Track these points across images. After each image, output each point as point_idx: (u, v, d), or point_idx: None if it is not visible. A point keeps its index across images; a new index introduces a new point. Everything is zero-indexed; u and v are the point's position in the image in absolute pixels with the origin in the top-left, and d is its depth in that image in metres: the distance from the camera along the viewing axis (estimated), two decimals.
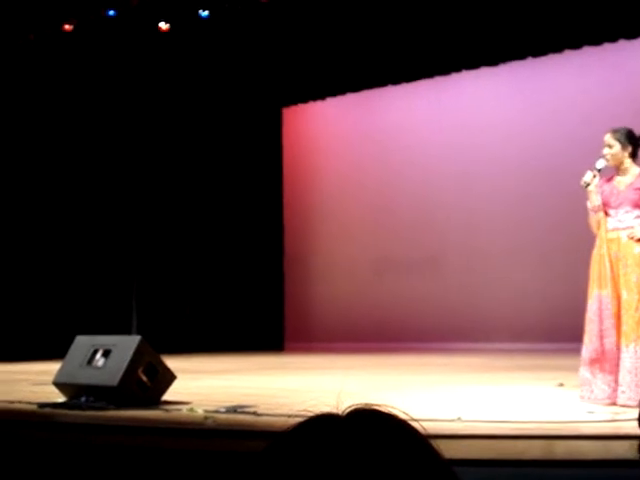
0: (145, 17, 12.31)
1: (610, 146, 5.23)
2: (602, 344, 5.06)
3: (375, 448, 0.78)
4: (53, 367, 6.33)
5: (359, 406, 0.84)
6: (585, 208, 5.41)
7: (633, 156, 5.26)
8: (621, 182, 5.25)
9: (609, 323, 5.06)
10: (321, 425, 0.82)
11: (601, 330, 5.08)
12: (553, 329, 11.76)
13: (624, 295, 5.05)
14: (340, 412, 0.84)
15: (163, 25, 12.49)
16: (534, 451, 3.71)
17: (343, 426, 0.81)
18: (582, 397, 5.13)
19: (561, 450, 3.70)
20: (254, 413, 4.78)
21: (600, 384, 5.05)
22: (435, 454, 0.82)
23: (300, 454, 0.79)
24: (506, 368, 8.82)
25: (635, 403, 4.57)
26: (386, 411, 0.84)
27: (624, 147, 5.20)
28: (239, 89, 14.21)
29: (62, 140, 12.97)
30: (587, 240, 5.43)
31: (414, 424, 0.84)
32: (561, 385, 6.16)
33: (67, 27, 12.17)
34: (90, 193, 13.23)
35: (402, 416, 0.85)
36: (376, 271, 14.26)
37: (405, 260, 13.50)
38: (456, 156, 13.64)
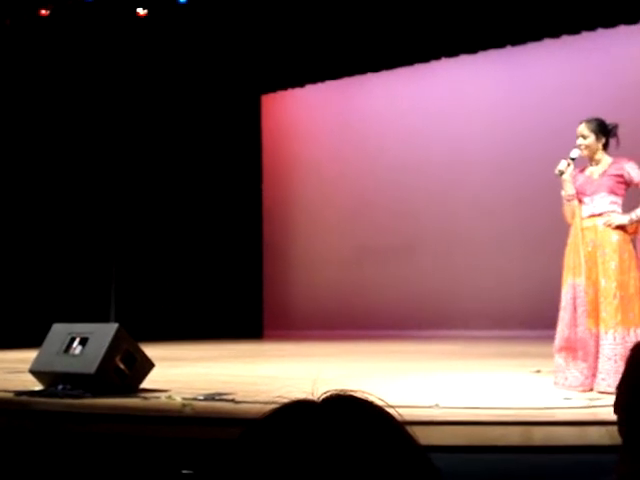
0: (123, 2, 12.21)
1: (584, 137, 5.27)
2: (575, 332, 5.10)
3: (350, 434, 0.77)
4: (29, 355, 6.29)
5: (334, 392, 0.84)
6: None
7: (605, 146, 5.31)
8: (594, 172, 5.30)
9: (582, 311, 5.09)
10: (296, 411, 0.81)
11: (574, 318, 5.12)
12: (532, 316, 11.82)
13: (602, 283, 5.08)
14: (315, 398, 0.83)
15: (141, 10, 12.40)
16: (512, 437, 3.73)
17: (318, 412, 0.80)
18: (556, 383, 5.18)
19: (538, 436, 3.73)
20: (232, 400, 4.77)
21: (574, 371, 5.09)
22: (411, 440, 0.81)
23: (275, 440, 0.78)
24: (484, 355, 8.86)
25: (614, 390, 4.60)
26: (361, 397, 0.83)
27: (598, 138, 5.25)
28: (217, 76, 14.14)
29: (38, 127, 12.84)
30: (566, 228, 5.46)
31: (389, 410, 0.84)
32: (538, 372, 6.19)
33: (43, 12, 12.04)
34: (67, 179, 13.12)
35: (377, 402, 0.84)
36: (355, 259, 14.27)
37: (384, 248, 13.53)
38: (436, 144, 13.66)
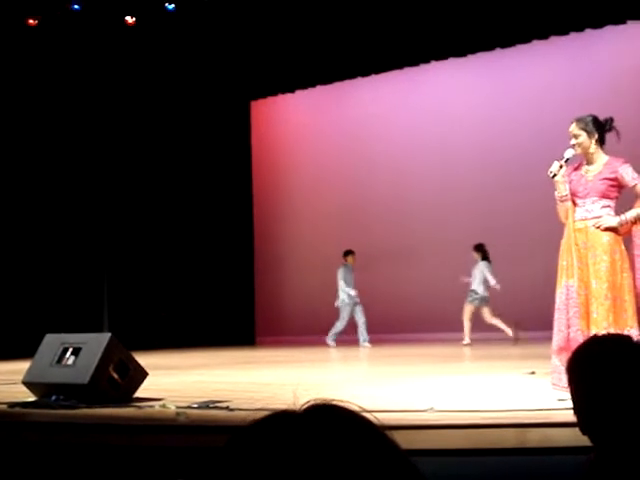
0: (111, 11, 12.19)
1: (576, 136, 5.25)
2: (568, 333, 5.10)
3: (331, 444, 0.78)
4: (22, 366, 6.26)
5: (316, 402, 0.84)
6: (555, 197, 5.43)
7: (601, 143, 5.27)
8: (589, 171, 5.27)
9: (574, 312, 5.09)
10: (277, 423, 0.81)
11: (568, 319, 5.12)
12: (526, 318, 11.84)
13: (593, 284, 5.07)
14: (297, 408, 0.83)
15: (129, 19, 12.39)
16: (507, 440, 3.72)
17: (299, 423, 0.80)
18: (553, 384, 5.19)
19: (534, 438, 3.72)
20: (227, 408, 4.75)
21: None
22: (393, 446, 0.81)
23: (256, 454, 0.78)
24: (479, 357, 8.86)
25: None
26: (342, 406, 0.83)
27: (590, 135, 5.22)
28: (207, 82, 14.14)
29: (28, 136, 12.80)
30: (558, 228, 5.45)
31: (371, 417, 0.84)
32: (533, 373, 6.20)
33: (31, 22, 12.02)
34: (58, 189, 13.08)
35: (358, 410, 0.84)
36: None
37: (377, 253, 13.52)
38: (426, 146, 13.68)
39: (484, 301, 11.63)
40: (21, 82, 12.62)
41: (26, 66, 12.61)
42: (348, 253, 12.83)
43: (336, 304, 12.69)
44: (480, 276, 11.61)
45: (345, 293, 12.57)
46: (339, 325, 12.70)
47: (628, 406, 1.78)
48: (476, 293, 11.59)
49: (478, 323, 12.53)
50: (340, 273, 12.69)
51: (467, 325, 11.64)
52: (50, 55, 12.68)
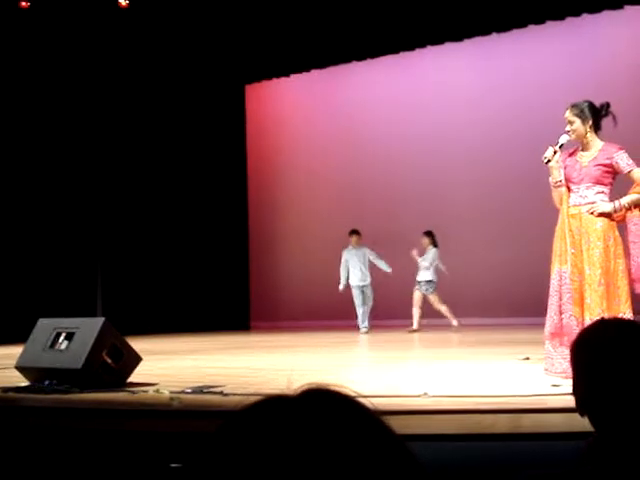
0: None
1: (571, 122, 5.23)
2: (561, 319, 5.11)
3: (326, 428, 0.77)
4: (15, 351, 6.25)
5: (310, 386, 0.83)
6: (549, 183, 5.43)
7: (596, 128, 5.25)
8: (584, 157, 5.26)
9: (568, 298, 5.09)
10: (271, 407, 0.80)
11: (560, 305, 5.12)
12: (520, 304, 11.87)
13: (587, 270, 5.07)
14: (291, 392, 0.82)
15: (122, 1, 12.30)
16: (501, 425, 3.72)
17: (293, 407, 0.79)
18: (546, 370, 5.20)
19: (527, 423, 3.72)
20: (221, 393, 4.75)
21: (559, 357, 5.10)
22: (388, 431, 0.80)
23: (249, 437, 0.77)
24: (473, 343, 8.87)
25: None
26: (337, 390, 0.82)
27: (584, 121, 5.20)
28: (201, 66, 14.07)
29: (21, 122, 12.72)
30: (553, 214, 5.44)
31: (365, 401, 0.83)
32: (527, 359, 6.21)
33: (24, 4, 11.93)
34: (53, 174, 13.02)
35: (353, 394, 0.83)
36: (341, 249, 14.23)
37: (371, 237, 13.48)
38: (421, 131, 13.64)
39: (436, 288, 11.70)
40: (13, 65, 12.52)
41: (18, 49, 12.52)
42: (352, 233, 12.20)
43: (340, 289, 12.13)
44: (433, 264, 11.63)
45: (343, 277, 12.22)
46: (358, 311, 12.23)
47: (630, 389, 1.79)
48: (433, 282, 11.64)
49: (474, 308, 12.56)
50: (343, 256, 12.26)
51: (445, 309, 11.64)
52: (42, 38, 12.58)
